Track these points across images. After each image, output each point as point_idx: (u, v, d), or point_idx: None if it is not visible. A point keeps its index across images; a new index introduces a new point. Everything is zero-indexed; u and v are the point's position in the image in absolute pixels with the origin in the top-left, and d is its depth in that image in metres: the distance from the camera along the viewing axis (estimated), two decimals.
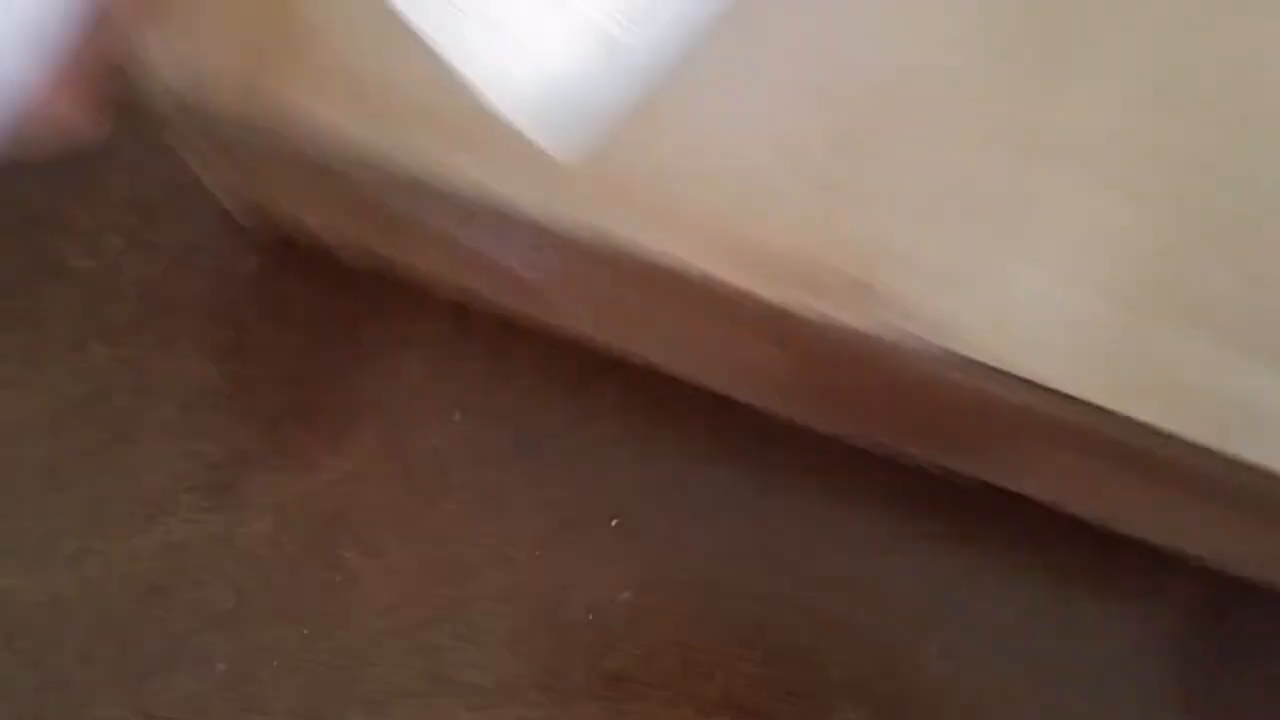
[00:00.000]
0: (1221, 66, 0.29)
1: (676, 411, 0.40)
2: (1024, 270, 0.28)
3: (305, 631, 0.38)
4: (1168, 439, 0.28)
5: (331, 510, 0.39)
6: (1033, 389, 0.28)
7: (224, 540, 0.39)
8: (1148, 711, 0.37)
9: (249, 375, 0.40)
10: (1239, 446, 0.28)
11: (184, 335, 0.40)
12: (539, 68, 0.24)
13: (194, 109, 0.30)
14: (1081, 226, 0.29)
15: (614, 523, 0.39)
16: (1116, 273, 0.28)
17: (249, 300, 0.40)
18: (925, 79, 0.29)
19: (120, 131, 0.41)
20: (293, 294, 0.40)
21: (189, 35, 0.30)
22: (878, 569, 0.39)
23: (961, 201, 0.29)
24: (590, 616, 0.38)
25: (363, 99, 0.30)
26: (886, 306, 0.28)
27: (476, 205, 0.30)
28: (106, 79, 0.26)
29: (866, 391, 0.34)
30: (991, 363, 0.28)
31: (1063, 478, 0.36)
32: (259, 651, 0.38)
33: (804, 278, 0.29)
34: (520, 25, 0.23)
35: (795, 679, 0.38)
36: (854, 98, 0.29)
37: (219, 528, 0.39)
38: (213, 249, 0.41)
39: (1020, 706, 0.38)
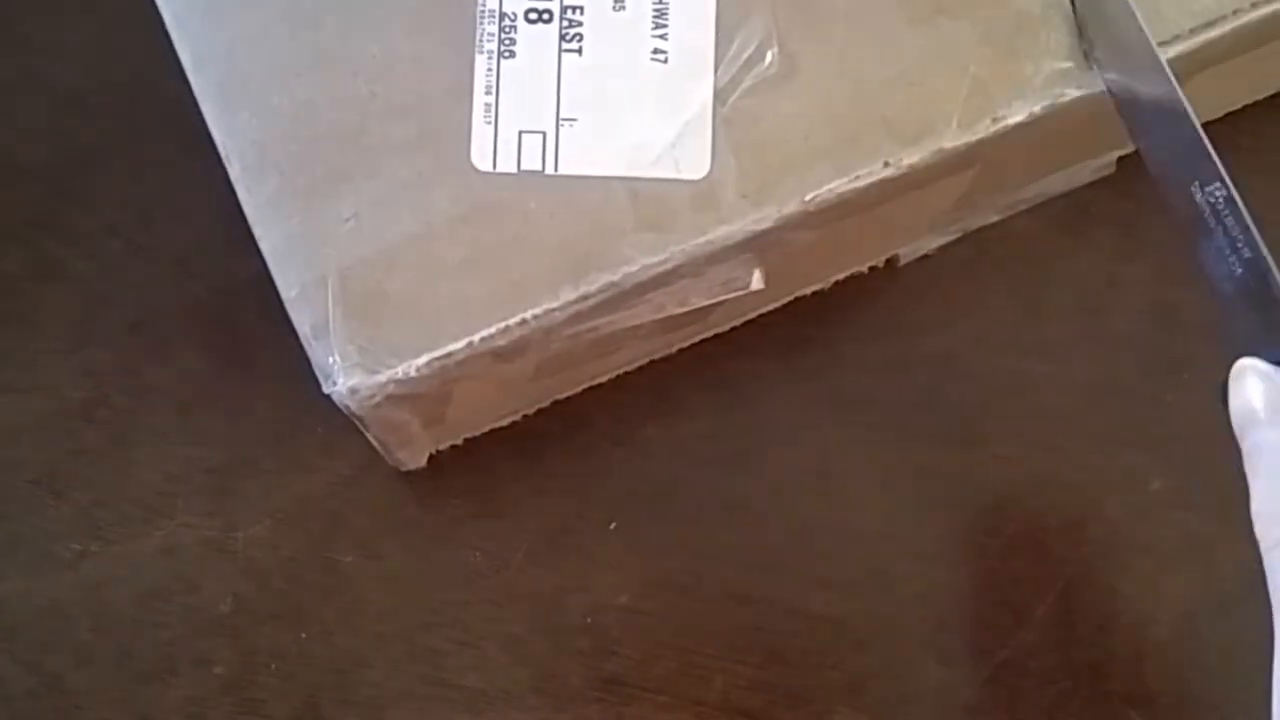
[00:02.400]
0: None
1: (675, 414, 0.40)
2: None
3: (303, 635, 0.38)
4: None
5: (329, 514, 0.39)
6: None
7: (222, 544, 0.39)
8: None
9: (247, 379, 0.40)
10: None
11: (183, 339, 0.40)
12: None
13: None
14: None
15: (612, 526, 0.39)
16: None
17: (247, 304, 0.40)
18: None
19: (120, 136, 0.42)
20: None
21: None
22: (879, 572, 0.39)
23: None
24: (588, 620, 0.38)
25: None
26: None
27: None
28: None
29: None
30: None
31: None
32: (257, 655, 0.38)
33: None
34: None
35: (795, 682, 0.38)
36: None
37: (216, 531, 0.39)
38: (212, 253, 0.41)
39: (1021, 708, 0.38)
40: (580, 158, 0.31)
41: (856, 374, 0.40)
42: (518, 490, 0.39)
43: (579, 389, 0.40)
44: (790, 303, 0.40)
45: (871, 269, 0.41)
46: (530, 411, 0.40)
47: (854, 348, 0.40)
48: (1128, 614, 0.38)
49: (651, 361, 0.40)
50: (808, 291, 0.40)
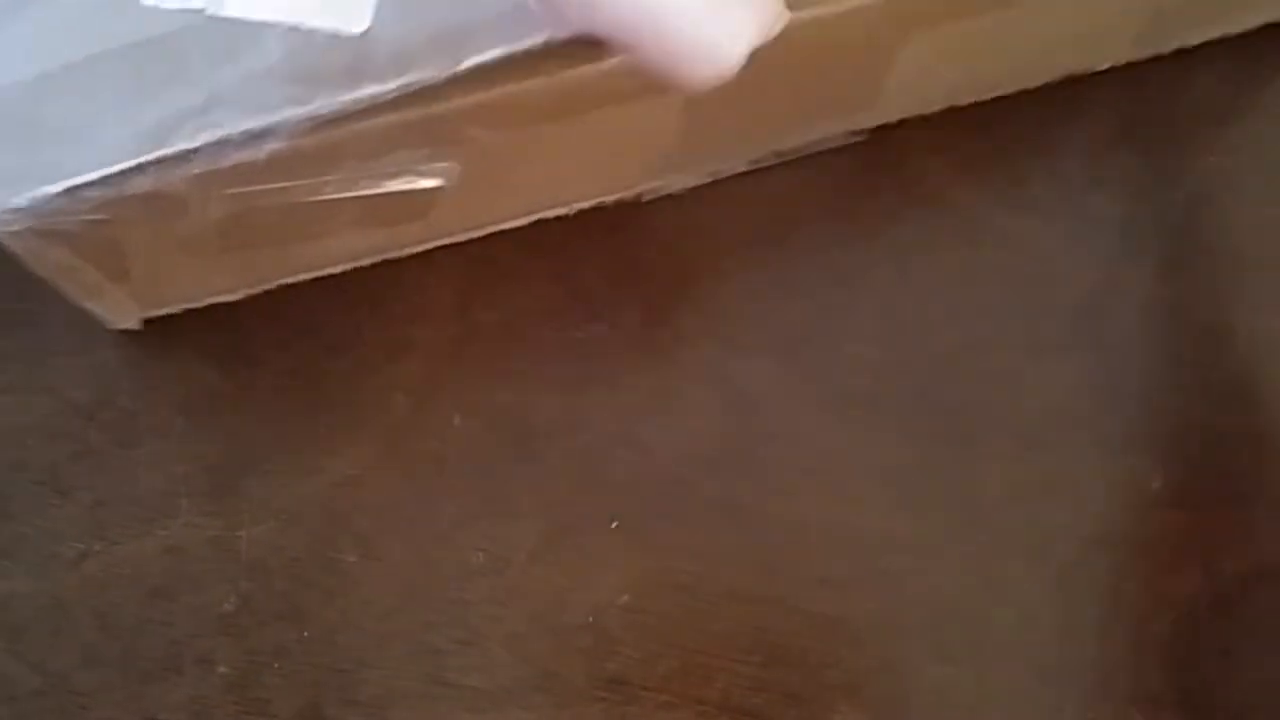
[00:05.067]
0: None
1: (676, 413, 0.40)
2: None
3: (306, 634, 0.38)
4: None
5: (332, 513, 0.39)
6: None
7: (224, 543, 0.39)
8: None
9: (250, 378, 0.40)
10: None
11: (186, 338, 0.40)
12: None
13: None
14: None
15: (614, 525, 0.39)
16: None
17: (251, 304, 0.40)
18: None
19: None
20: (294, 298, 0.41)
21: None
22: (880, 571, 0.39)
23: None
24: (590, 619, 0.38)
25: None
26: None
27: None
28: None
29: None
30: None
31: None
32: (260, 654, 0.38)
33: None
34: None
35: (795, 682, 0.38)
36: None
37: (219, 530, 0.39)
38: None
39: (1020, 708, 0.38)
40: (244, 1, 0.30)
41: (857, 374, 0.40)
42: (519, 490, 0.40)
43: (300, 277, 0.39)
44: (789, 302, 0.41)
45: (618, 203, 0.40)
46: (255, 291, 0.39)
47: (855, 347, 0.40)
48: (1128, 614, 0.38)
49: (651, 360, 0.40)
50: (550, 215, 0.40)
